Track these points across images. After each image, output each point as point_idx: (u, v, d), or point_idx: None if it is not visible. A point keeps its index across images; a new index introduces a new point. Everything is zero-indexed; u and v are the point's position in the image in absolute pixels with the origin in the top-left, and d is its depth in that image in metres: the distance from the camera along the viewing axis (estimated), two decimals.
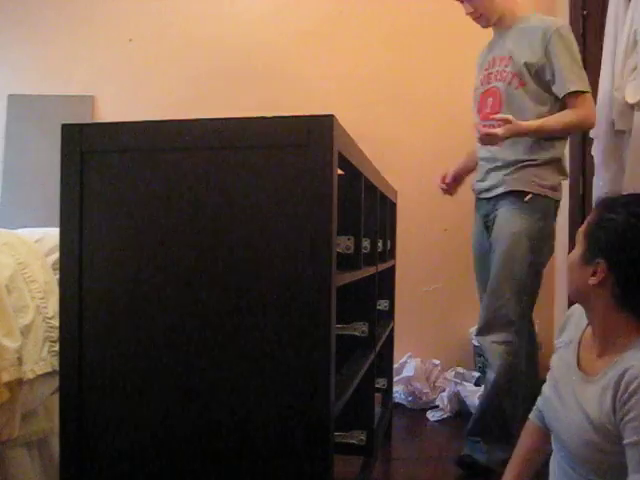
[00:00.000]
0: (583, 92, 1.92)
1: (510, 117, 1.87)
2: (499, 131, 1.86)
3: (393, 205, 2.28)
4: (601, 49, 2.23)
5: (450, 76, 3.01)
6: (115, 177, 1.08)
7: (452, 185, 2.29)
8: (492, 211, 2.04)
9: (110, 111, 3.22)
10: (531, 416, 1.35)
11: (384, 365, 2.24)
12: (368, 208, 1.54)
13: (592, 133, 2.28)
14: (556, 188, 1.99)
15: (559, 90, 1.95)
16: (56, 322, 1.52)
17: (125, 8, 3.25)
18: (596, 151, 2.22)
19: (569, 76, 1.94)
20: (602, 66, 2.21)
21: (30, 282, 1.54)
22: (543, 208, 1.95)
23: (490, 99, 2.05)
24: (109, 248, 1.08)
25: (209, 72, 3.15)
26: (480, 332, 2.01)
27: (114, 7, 3.25)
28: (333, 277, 1.00)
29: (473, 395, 2.61)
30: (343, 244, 1.28)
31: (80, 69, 3.25)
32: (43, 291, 1.56)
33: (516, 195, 1.96)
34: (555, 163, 1.99)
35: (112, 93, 3.23)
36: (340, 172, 1.27)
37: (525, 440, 1.36)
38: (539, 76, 1.96)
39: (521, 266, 1.92)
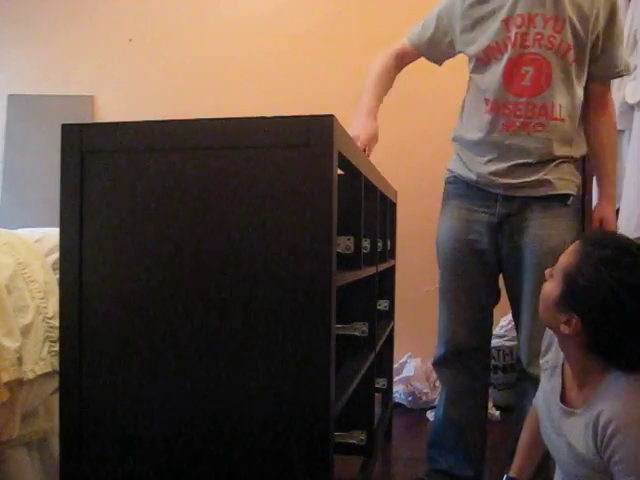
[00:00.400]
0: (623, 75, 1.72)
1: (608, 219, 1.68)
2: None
3: (393, 205, 2.28)
4: None
5: (450, 75, 3.00)
6: (115, 177, 1.08)
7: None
8: (517, 212, 1.67)
9: (110, 111, 3.22)
10: (534, 402, 1.36)
11: (384, 365, 2.24)
12: (368, 208, 1.53)
13: None
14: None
15: (606, 71, 1.67)
16: (56, 322, 1.51)
17: (125, 8, 3.25)
18: None
19: (623, 54, 1.67)
20: None
21: (30, 282, 1.54)
22: (577, 209, 1.73)
23: (529, 69, 1.61)
24: (109, 248, 1.08)
25: (209, 72, 3.15)
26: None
27: (114, 7, 3.25)
28: (333, 277, 1.00)
29: None
30: (343, 244, 1.28)
31: (80, 69, 3.25)
32: (43, 291, 1.55)
33: (559, 198, 1.66)
34: (581, 159, 1.76)
35: (112, 93, 3.24)
36: (340, 172, 1.27)
37: (530, 425, 1.37)
38: (591, 51, 1.63)
39: None
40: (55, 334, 1.51)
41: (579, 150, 1.71)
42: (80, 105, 3.18)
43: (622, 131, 2.12)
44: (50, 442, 1.58)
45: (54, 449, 1.58)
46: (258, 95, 3.05)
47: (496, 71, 1.65)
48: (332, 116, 1.00)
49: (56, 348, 1.49)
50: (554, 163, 1.66)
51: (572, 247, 1.15)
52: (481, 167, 1.70)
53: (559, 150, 1.65)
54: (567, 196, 1.67)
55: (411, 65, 2.01)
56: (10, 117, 3.21)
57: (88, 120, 3.12)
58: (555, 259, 1.61)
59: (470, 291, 1.74)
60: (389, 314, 2.18)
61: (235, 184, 1.03)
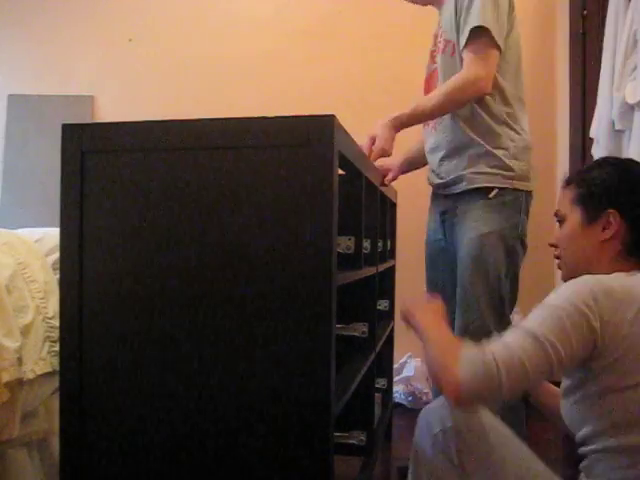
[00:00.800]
0: (478, 32, 1.54)
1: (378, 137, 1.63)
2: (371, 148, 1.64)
3: (393, 205, 2.28)
4: (601, 49, 2.23)
5: None
6: (115, 177, 1.08)
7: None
8: (452, 209, 1.74)
9: (110, 111, 3.22)
10: None
11: (384, 365, 2.24)
12: (369, 208, 1.54)
13: (592, 133, 2.27)
14: (526, 177, 1.67)
15: (460, 39, 1.61)
16: (56, 322, 1.51)
17: (125, 8, 3.25)
18: (596, 151, 2.22)
19: (467, 18, 1.57)
20: (602, 66, 2.20)
21: (30, 282, 1.54)
22: (512, 203, 1.65)
23: (435, 82, 1.76)
24: (109, 248, 1.08)
25: (209, 72, 3.15)
26: None
27: (114, 7, 3.25)
28: (334, 277, 1.00)
29: None
30: (344, 244, 1.28)
31: (80, 69, 3.25)
32: (43, 291, 1.55)
33: (480, 191, 1.65)
34: (518, 146, 1.66)
35: (112, 93, 3.23)
36: (341, 172, 1.27)
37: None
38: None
39: (495, 273, 1.61)
40: (55, 334, 1.51)
41: (490, 138, 1.65)
42: (80, 105, 3.18)
43: (622, 131, 2.11)
44: (50, 442, 1.58)
45: (54, 449, 1.58)
46: (258, 94, 3.05)
47: (424, 91, 1.83)
48: (333, 116, 1.00)
49: (56, 348, 1.49)
50: (470, 153, 1.66)
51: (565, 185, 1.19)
52: (429, 171, 1.86)
53: (458, 138, 1.67)
54: (488, 189, 1.64)
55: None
56: (10, 117, 3.21)
57: (88, 120, 3.11)
58: (474, 252, 1.62)
59: (440, 286, 1.81)
60: (389, 314, 2.18)
61: (235, 184, 1.02)
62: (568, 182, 1.18)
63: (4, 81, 3.27)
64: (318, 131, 0.99)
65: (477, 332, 1.58)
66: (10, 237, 1.62)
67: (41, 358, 1.47)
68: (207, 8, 3.20)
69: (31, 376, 1.41)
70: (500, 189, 1.64)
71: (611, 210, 1.07)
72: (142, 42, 3.22)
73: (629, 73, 2.05)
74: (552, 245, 1.19)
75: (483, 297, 1.61)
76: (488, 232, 1.61)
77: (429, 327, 1.09)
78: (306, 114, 1.01)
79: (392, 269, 2.27)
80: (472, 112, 1.66)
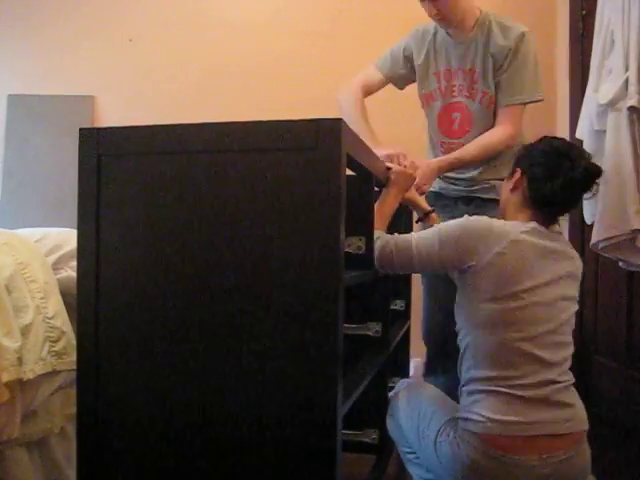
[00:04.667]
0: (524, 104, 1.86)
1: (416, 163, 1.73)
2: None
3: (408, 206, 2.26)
4: None
5: None
6: (131, 179, 1.10)
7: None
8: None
9: (111, 111, 3.21)
10: None
11: (400, 364, 2.23)
12: None
13: (578, 134, 2.26)
14: None
15: (503, 98, 1.85)
16: (56, 322, 1.51)
17: (125, 8, 3.24)
18: None
19: (524, 86, 1.85)
20: (590, 66, 2.19)
21: (30, 282, 1.53)
22: None
23: (457, 115, 1.93)
24: (125, 248, 1.10)
25: (210, 72, 3.15)
26: None
27: (114, 7, 3.25)
28: (341, 277, 1.01)
29: None
30: (355, 245, 1.29)
31: (80, 69, 3.24)
32: (43, 291, 1.54)
33: None
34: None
35: (113, 93, 3.23)
36: (352, 173, 1.27)
37: None
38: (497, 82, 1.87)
39: None
40: (55, 334, 1.50)
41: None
42: (80, 105, 3.17)
43: (603, 131, 2.09)
44: (50, 442, 1.57)
45: (54, 449, 1.57)
46: (258, 95, 3.04)
47: (432, 115, 1.99)
48: (340, 119, 1.01)
49: (56, 348, 1.49)
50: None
51: None
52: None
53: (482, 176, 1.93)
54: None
55: None
56: (10, 117, 3.19)
57: (88, 120, 3.10)
58: None
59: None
60: (405, 314, 2.18)
61: (245, 186, 1.04)
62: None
63: (4, 81, 3.26)
64: (326, 134, 1.00)
65: None
66: (10, 237, 1.61)
67: (41, 358, 1.46)
68: (207, 8, 3.20)
69: (31, 376, 1.41)
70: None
71: (517, 169, 1.41)
72: (142, 42, 3.22)
73: (607, 74, 2.03)
74: None
75: None
76: None
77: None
78: (314, 117, 1.02)
79: None
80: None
